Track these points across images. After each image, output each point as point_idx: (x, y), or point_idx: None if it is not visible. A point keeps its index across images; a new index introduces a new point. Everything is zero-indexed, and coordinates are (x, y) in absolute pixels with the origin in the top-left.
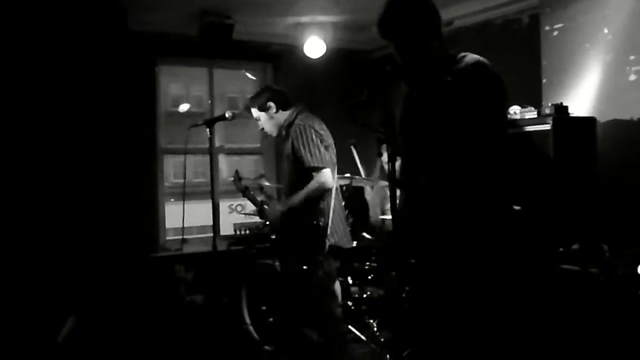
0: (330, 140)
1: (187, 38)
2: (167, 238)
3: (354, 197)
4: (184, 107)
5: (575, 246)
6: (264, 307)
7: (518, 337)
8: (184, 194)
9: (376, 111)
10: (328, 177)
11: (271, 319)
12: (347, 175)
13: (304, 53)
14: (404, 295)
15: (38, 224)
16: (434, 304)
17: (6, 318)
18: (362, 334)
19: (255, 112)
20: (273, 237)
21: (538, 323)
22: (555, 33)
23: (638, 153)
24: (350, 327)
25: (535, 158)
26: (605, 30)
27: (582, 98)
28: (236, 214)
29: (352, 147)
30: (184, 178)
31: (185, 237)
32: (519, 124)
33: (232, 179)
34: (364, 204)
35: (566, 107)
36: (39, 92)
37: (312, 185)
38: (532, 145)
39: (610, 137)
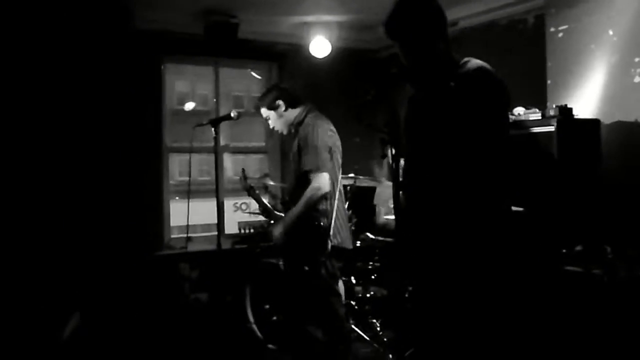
0: (337, 142)
1: (193, 37)
2: (172, 236)
3: (358, 197)
4: (189, 106)
5: (578, 247)
6: (267, 306)
7: (521, 338)
8: (189, 192)
9: (381, 112)
10: (324, 181)
11: (275, 318)
12: (352, 175)
13: (309, 52)
14: (407, 295)
15: (44, 221)
16: (437, 304)
17: (11, 315)
18: (365, 333)
19: (264, 111)
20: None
21: (541, 324)
22: (561, 34)
23: None
24: (353, 326)
25: (539, 159)
26: (611, 32)
27: (586, 99)
28: (241, 213)
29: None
30: (189, 176)
31: (190, 235)
32: (523, 125)
33: (239, 177)
34: (370, 204)
35: (570, 109)
36: (45, 90)
37: (308, 192)
38: (537, 146)
39: (615, 138)
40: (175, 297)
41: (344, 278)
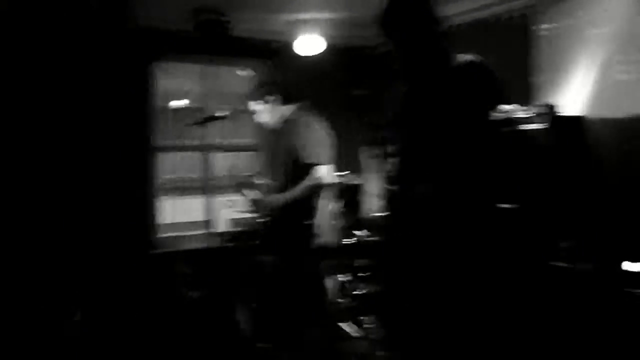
0: (330, 138)
1: (183, 35)
2: (162, 235)
3: (347, 194)
4: (179, 104)
5: (565, 243)
6: (258, 304)
7: (509, 334)
8: (180, 190)
9: (374, 110)
10: (324, 173)
11: (265, 316)
12: (342, 173)
13: (302, 50)
14: (397, 292)
15: (35, 223)
16: (426, 301)
17: (5, 318)
18: (355, 330)
19: (257, 103)
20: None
21: (528, 320)
22: (546, 32)
23: (627, 151)
24: (343, 324)
25: (526, 156)
26: (597, 30)
27: (573, 96)
28: (231, 209)
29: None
30: (179, 176)
31: (180, 234)
32: (511, 122)
33: (228, 174)
34: (358, 201)
35: (558, 107)
36: (34, 89)
37: (308, 180)
38: (524, 143)
39: (600, 135)
40: (166, 295)
41: (333, 276)
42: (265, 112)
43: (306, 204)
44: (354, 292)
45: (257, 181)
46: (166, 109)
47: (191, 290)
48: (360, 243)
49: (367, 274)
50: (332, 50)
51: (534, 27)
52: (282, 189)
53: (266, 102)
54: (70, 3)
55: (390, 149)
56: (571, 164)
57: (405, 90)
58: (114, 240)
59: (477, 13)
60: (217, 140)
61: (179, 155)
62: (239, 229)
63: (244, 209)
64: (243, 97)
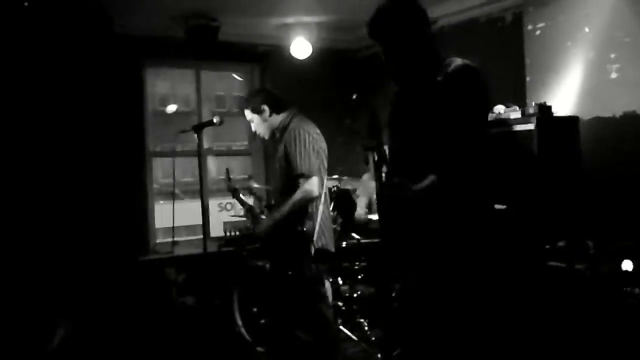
0: (323, 145)
1: (174, 40)
2: (157, 241)
3: (342, 198)
4: (171, 108)
5: (561, 243)
6: (255, 309)
7: (506, 335)
8: (174, 196)
9: (364, 116)
10: (315, 185)
11: (263, 321)
12: (336, 176)
13: (290, 53)
14: (394, 294)
15: (28, 227)
16: (423, 303)
17: None
18: (353, 333)
19: (248, 114)
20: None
21: (525, 320)
22: (538, 32)
23: (620, 150)
24: (341, 327)
25: (520, 157)
26: (587, 29)
27: (565, 96)
28: (226, 212)
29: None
30: (174, 181)
31: (175, 239)
32: (504, 123)
33: (223, 178)
34: (352, 204)
35: (549, 107)
36: (26, 96)
37: (299, 193)
38: (517, 144)
39: (593, 134)
40: (162, 301)
41: (330, 279)
42: (258, 123)
43: (302, 212)
44: (351, 295)
45: (254, 185)
46: (158, 113)
47: (187, 295)
48: (355, 246)
49: (362, 276)
50: (320, 53)
51: (526, 27)
52: (280, 196)
53: (257, 113)
54: (61, 10)
55: (383, 159)
56: (562, 163)
57: (396, 94)
58: (105, 246)
59: (470, 13)
60: (212, 145)
61: (173, 158)
62: (235, 233)
63: (239, 214)
64: (236, 99)
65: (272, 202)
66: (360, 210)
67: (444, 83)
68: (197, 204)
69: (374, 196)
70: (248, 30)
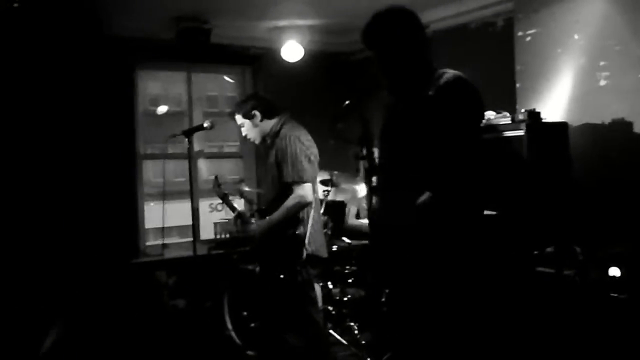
0: (315, 151)
1: (166, 42)
2: (148, 243)
3: (332, 203)
4: (162, 109)
5: (549, 249)
6: (246, 313)
7: (495, 339)
8: (164, 198)
9: (356, 123)
10: (308, 191)
11: (253, 325)
12: (327, 177)
13: (282, 56)
14: (383, 298)
15: (18, 230)
16: (413, 307)
17: None
18: (343, 337)
19: (239, 119)
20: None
21: (514, 325)
22: (528, 38)
23: (608, 156)
24: (331, 330)
25: (510, 163)
26: (577, 36)
27: (554, 102)
28: (217, 213)
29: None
30: (164, 183)
31: (165, 242)
32: (494, 129)
33: (212, 185)
34: (343, 209)
35: (539, 113)
36: (15, 98)
37: (291, 200)
38: (508, 150)
39: (582, 141)
40: (152, 304)
41: (320, 283)
42: (249, 128)
43: (293, 216)
44: (341, 299)
45: (245, 188)
46: (150, 113)
47: (178, 298)
48: (346, 250)
49: (353, 280)
50: (312, 56)
51: (516, 33)
52: (272, 201)
53: (248, 118)
54: (50, 11)
55: (373, 168)
56: (552, 169)
57: (388, 106)
58: (96, 248)
59: (462, 18)
60: (203, 148)
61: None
62: (225, 235)
63: (229, 217)
64: (228, 99)
65: (263, 206)
66: (351, 219)
67: (436, 97)
68: (188, 205)
69: (364, 204)
70: (240, 33)
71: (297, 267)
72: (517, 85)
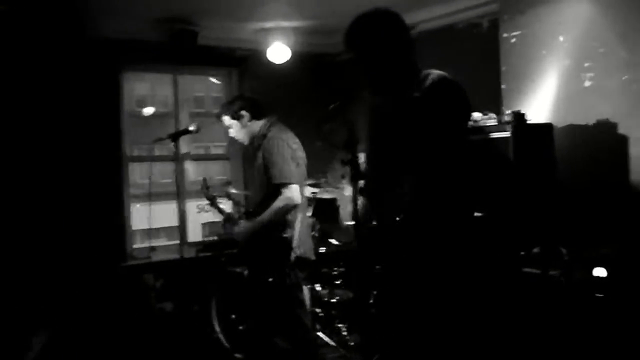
0: (302, 154)
1: (152, 44)
2: (135, 245)
3: (321, 204)
4: (148, 111)
5: (535, 250)
6: (234, 316)
7: (482, 340)
8: (150, 201)
9: (341, 127)
10: (295, 193)
11: (241, 328)
12: (314, 181)
13: (269, 58)
14: (372, 299)
15: (1, 235)
16: (400, 309)
17: None
18: (331, 339)
19: (227, 120)
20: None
21: (501, 325)
22: (514, 40)
23: (593, 157)
24: (319, 332)
25: (496, 164)
26: (561, 38)
27: (539, 104)
28: (204, 214)
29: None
30: (150, 185)
31: (153, 245)
32: (481, 130)
33: (200, 187)
34: (333, 210)
35: (524, 114)
36: None
37: (279, 202)
38: (494, 151)
39: (567, 142)
40: (140, 307)
41: (309, 285)
42: (236, 129)
43: (281, 218)
44: (330, 300)
45: (232, 191)
46: (136, 114)
47: (165, 301)
48: (334, 251)
49: (341, 282)
50: (298, 57)
51: (501, 35)
52: (260, 203)
53: (236, 118)
54: (35, 13)
55: (359, 173)
56: (538, 170)
57: (373, 108)
58: (83, 252)
59: (448, 19)
60: (190, 150)
61: (150, 163)
62: (213, 238)
63: (217, 219)
64: (215, 100)
65: (251, 208)
66: (343, 219)
67: (422, 99)
68: (174, 206)
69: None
70: (226, 35)
71: (286, 270)
72: (503, 86)
